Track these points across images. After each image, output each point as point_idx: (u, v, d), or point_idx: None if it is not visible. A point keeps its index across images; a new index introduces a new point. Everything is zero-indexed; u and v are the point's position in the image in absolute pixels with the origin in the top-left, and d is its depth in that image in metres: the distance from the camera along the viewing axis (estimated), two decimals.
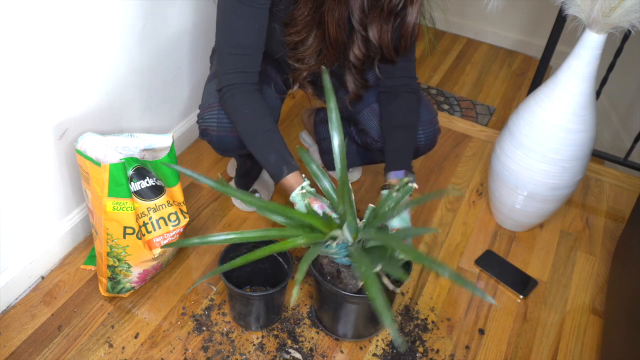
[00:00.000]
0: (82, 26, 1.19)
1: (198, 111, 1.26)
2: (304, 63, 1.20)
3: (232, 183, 1.62)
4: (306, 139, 1.79)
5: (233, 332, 1.25)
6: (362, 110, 1.34)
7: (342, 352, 1.24)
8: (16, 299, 1.29)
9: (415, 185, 1.10)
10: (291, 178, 1.13)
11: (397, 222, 1.15)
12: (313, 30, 1.14)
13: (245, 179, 1.54)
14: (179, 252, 1.43)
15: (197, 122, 1.25)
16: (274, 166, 1.14)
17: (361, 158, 1.52)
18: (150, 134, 1.25)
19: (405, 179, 1.08)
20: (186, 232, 1.47)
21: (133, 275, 1.26)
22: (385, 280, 1.06)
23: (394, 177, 1.21)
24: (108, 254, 1.20)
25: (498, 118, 2.16)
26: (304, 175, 1.16)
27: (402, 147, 1.26)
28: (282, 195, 1.61)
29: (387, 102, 1.30)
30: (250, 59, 1.15)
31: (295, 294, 0.85)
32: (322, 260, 1.17)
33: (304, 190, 1.12)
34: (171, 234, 1.23)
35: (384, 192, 1.19)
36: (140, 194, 1.18)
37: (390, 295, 1.18)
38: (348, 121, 1.48)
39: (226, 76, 1.16)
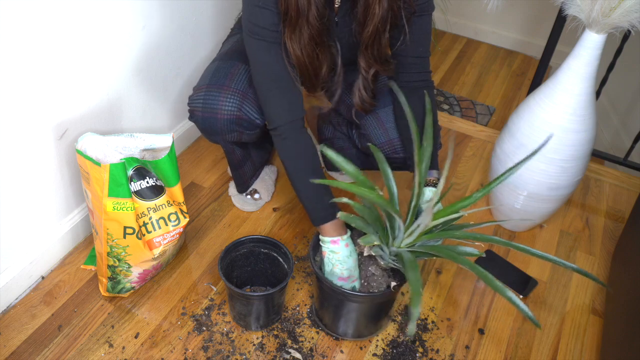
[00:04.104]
0: (82, 26, 1.19)
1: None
2: (310, 81, 1.23)
3: (232, 183, 1.62)
4: None
5: (233, 332, 1.26)
6: (366, 115, 1.34)
7: (342, 352, 1.24)
8: (16, 299, 1.29)
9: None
10: (339, 223, 1.17)
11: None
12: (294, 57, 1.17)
13: (243, 176, 1.52)
14: (179, 252, 1.43)
15: (188, 103, 1.27)
16: (326, 208, 1.15)
17: (361, 162, 1.52)
18: (151, 134, 1.25)
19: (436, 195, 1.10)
20: (186, 232, 1.47)
21: (133, 275, 1.26)
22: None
23: (430, 176, 1.21)
24: (108, 254, 1.20)
25: (498, 118, 2.16)
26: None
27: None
28: (284, 195, 1.61)
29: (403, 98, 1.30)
30: (291, 92, 1.16)
31: (412, 329, 0.85)
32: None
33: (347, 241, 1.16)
34: (171, 234, 1.23)
35: (428, 189, 1.19)
36: (140, 194, 1.18)
37: (390, 295, 1.18)
38: (351, 124, 1.47)
39: (274, 117, 1.17)
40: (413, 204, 1.06)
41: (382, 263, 1.12)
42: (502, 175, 1.02)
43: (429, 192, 1.17)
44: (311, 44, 1.13)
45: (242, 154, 1.44)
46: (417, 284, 0.90)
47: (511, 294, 0.91)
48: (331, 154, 1.03)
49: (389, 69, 1.22)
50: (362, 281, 1.17)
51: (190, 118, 1.28)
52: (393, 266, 1.11)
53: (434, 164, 1.22)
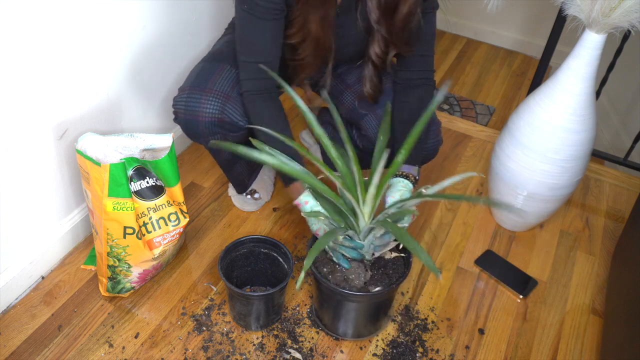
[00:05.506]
0: (82, 26, 1.19)
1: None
2: (302, 65, 1.23)
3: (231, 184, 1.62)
4: (306, 138, 1.79)
5: (233, 332, 1.26)
6: (366, 115, 1.34)
7: (342, 352, 1.24)
8: (16, 299, 1.29)
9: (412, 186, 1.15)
10: (299, 187, 1.19)
11: (397, 195, 1.19)
12: (308, 34, 1.17)
13: (238, 176, 1.50)
14: (179, 252, 1.43)
15: (172, 105, 1.27)
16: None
17: (363, 162, 1.51)
18: (150, 134, 1.25)
19: (420, 191, 1.09)
20: (186, 232, 1.47)
21: (133, 275, 1.26)
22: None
23: (407, 170, 1.23)
24: (108, 254, 1.20)
25: (498, 118, 2.16)
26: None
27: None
28: (284, 194, 1.61)
29: (402, 94, 1.30)
30: (268, 65, 1.18)
31: (300, 281, 0.94)
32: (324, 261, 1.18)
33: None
34: (171, 234, 1.23)
35: (401, 181, 1.22)
36: (140, 194, 1.18)
37: (388, 294, 1.18)
38: (351, 124, 1.48)
39: (245, 82, 1.21)
40: (369, 180, 1.06)
41: (354, 255, 1.13)
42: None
43: (400, 184, 1.20)
44: (326, 22, 1.15)
45: (229, 153, 1.42)
46: (416, 250, 0.92)
47: (420, 248, 0.91)
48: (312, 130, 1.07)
49: (409, 50, 1.23)
50: (340, 277, 1.16)
51: (175, 119, 1.28)
52: (372, 252, 1.12)
53: (415, 160, 1.23)
